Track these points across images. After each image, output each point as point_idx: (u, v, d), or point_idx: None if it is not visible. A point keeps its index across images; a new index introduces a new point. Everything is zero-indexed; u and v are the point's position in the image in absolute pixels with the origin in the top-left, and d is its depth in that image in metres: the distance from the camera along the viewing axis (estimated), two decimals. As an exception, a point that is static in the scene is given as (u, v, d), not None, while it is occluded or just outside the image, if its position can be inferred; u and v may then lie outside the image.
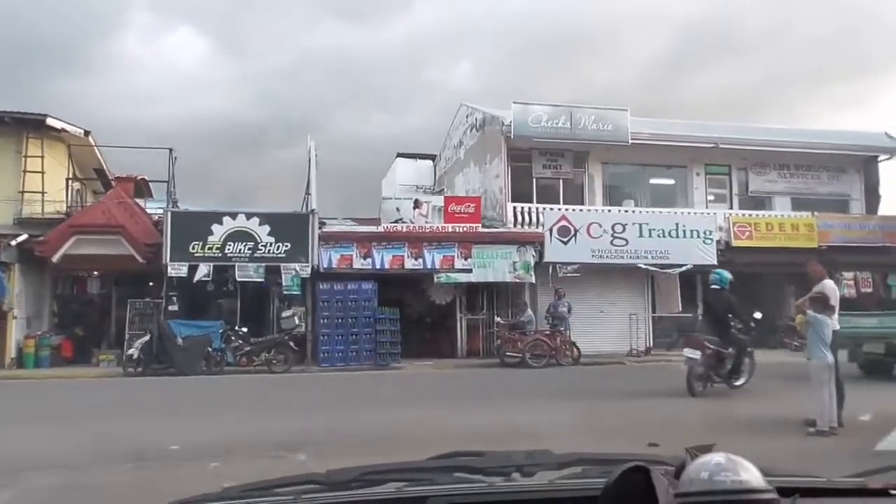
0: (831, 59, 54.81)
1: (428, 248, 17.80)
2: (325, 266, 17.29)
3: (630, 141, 19.65)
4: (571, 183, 20.72)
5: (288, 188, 43.72)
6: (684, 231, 19.19)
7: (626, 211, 20.00)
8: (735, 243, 19.58)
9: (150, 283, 17.55)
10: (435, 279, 17.94)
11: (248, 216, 17.25)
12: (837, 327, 7.56)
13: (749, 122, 27.33)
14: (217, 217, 17.16)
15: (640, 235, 18.92)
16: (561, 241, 18.53)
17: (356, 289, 16.78)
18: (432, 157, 27.47)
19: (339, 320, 16.54)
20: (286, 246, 17.05)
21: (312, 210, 17.83)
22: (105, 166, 21.45)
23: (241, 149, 59.54)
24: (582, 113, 19.70)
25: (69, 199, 19.24)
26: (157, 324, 15.63)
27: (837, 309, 7.79)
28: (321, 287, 16.84)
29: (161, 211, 18.24)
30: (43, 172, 17.48)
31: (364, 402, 10.80)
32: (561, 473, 1.53)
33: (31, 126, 17.66)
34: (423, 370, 16.08)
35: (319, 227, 17.55)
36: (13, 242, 16.60)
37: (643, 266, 18.86)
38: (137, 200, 19.75)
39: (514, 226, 19.00)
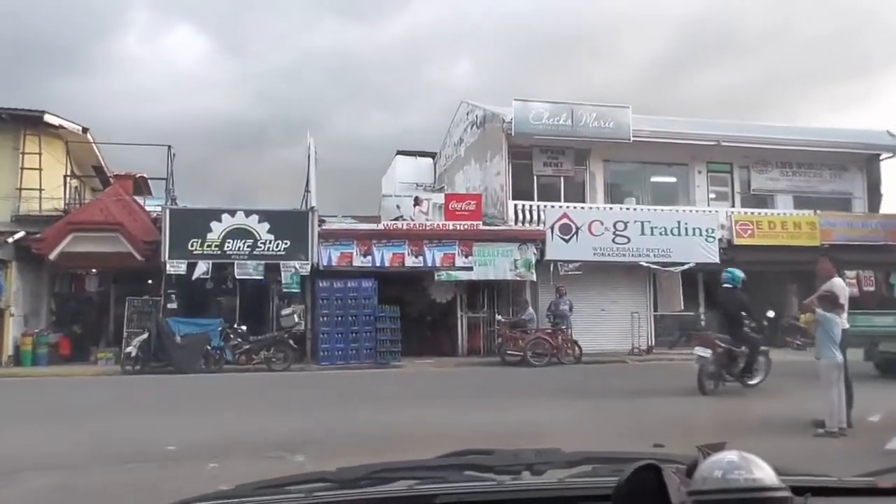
0: (831, 59, 54.83)
1: (428, 245, 17.69)
2: (325, 264, 17.19)
3: (632, 138, 19.54)
4: (572, 180, 20.63)
5: (287, 187, 43.79)
6: (686, 229, 19.10)
7: (627, 209, 19.91)
8: (737, 241, 19.48)
9: (149, 281, 17.47)
10: (435, 277, 17.85)
11: (248, 213, 17.15)
12: (847, 326, 7.47)
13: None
14: (216, 214, 17.05)
15: (642, 233, 18.82)
16: (562, 238, 18.44)
17: (356, 287, 16.69)
18: (432, 155, 27.38)
19: (339, 318, 16.44)
20: (286, 243, 16.95)
21: (312, 207, 17.73)
22: (104, 164, 21.38)
23: (240, 148, 59.57)
24: (583, 110, 19.59)
25: (67, 196, 19.15)
26: (156, 322, 15.51)
27: (847, 307, 7.69)
28: (321, 285, 16.74)
29: (160, 208, 18.13)
30: (41, 169, 17.41)
31: (364, 400, 10.71)
32: (571, 472, 1.52)
33: (28, 123, 17.58)
34: (423, 369, 16.00)
35: (319, 225, 17.45)
36: (10, 240, 16.47)
37: (645, 264, 18.77)
38: (136, 198, 19.64)
39: (515, 223, 18.91)
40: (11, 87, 45.35)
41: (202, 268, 16.52)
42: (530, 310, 17.35)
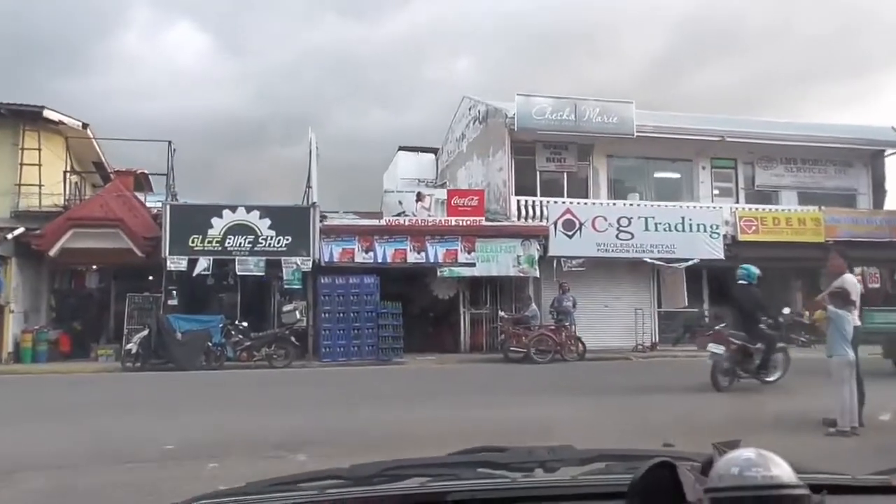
0: (832, 58, 54.59)
1: (431, 241, 17.58)
2: (327, 260, 17.08)
3: (635, 134, 19.41)
4: (575, 176, 20.52)
5: (288, 185, 43.66)
6: (690, 225, 18.99)
7: (631, 204, 19.81)
8: (741, 237, 19.39)
9: (150, 277, 17.38)
10: (438, 273, 17.74)
11: (249, 209, 17.04)
12: (858, 323, 7.34)
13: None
14: (217, 210, 16.94)
15: (646, 229, 18.71)
16: (566, 234, 18.33)
17: (358, 283, 16.60)
18: (434, 151, 27.23)
19: (341, 315, 16.35)
20: (287, 239, 16.85)
21: (313, 203, 17.61)
22: (104, 160, 21.31)
23: (240, 145, 59.44)
24: (586, 105, 19.45)
25: (67, 192, 19.05)
26: (156, 318, 15.43)
27: (859, 304, 7.56)
28: (322, 281, 16.65)
29: (161, 205, 18.02)
30: (40, 165, 17.33)
31: (366, 398, 10.60)
32: (584, 469, 1.51)
33: (27, 118, 17.50)
34: (425, 365, 15.91)
35: (321, 221, 17.34)
36: (10, 236, 16.41)
37: (649, 260, 18.67)
38: (137, 194, 19.54)
39: (518, 219, 18.80)
40: (12, 86, 45.37)
41: (203, 264, 16.43)
42: (533, 306, 17.24)
